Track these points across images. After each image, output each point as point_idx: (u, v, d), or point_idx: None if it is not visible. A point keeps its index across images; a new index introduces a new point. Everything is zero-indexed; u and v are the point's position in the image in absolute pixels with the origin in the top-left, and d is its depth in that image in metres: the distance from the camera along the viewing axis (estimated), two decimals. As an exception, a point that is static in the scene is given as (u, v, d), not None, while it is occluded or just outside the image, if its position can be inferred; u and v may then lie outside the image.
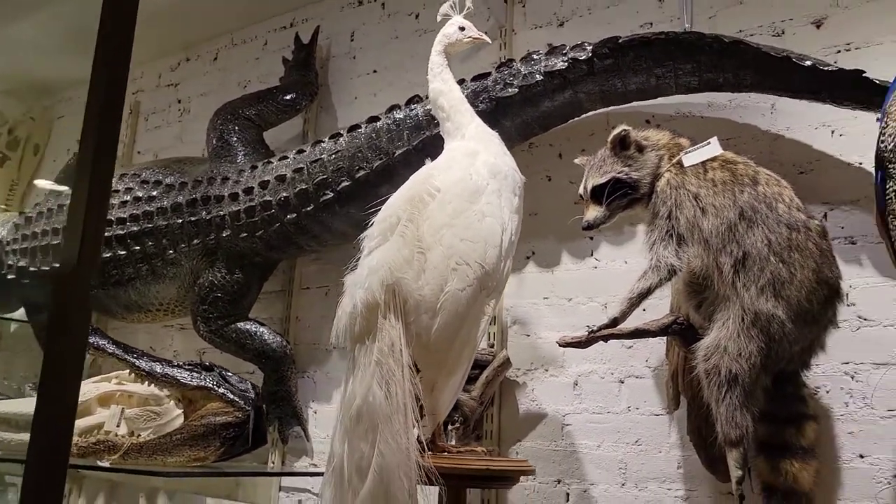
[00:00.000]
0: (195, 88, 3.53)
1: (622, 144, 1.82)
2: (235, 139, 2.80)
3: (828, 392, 1.88)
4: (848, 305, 1.85)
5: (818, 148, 2.00)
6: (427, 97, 2.32)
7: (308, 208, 2.47)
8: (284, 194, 2.49)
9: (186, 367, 2.36)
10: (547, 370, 2.30)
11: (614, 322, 1.79)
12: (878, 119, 1.62)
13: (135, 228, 2.75)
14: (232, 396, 2.30)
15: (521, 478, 1.87)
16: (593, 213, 1.83)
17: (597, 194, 1.83)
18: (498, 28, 2.59)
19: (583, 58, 2.07)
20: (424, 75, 2.66)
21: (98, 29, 1.26)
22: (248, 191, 2.57)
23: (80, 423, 2.46)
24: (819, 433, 1.73)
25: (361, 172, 2.39)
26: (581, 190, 1.87)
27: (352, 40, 3.04)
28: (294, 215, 2.49)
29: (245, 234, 2.57)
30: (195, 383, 2.31)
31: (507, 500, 2.25)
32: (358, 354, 1.69)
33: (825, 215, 1.94)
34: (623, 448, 2.13)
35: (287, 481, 2.71)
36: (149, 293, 2.81)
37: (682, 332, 1.80)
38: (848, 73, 1.77)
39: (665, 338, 1.99)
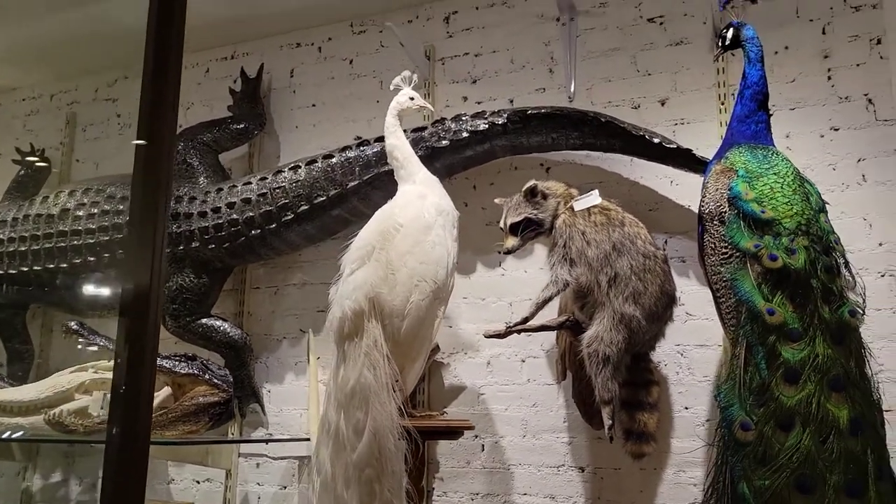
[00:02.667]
0: (136, 105, 3.89)
1: (532, 193, 2.54)
2: (197, 162, 3.28)
3: (666, 365, 2.71)
4: (680, 306, 2.66)
5: (662, 193, 2.82)
6: (374, 139, 2.95)
7: (271, 226, 3.03)
8: (250, 214, 3.03)
9: (175, 357, 2.87)
10: (466, 353, 3.01)
11: (525, 320, 2.53)
12: (704, 176, 2.40)
13: (104, 238, 3.18)
14: (217, 381, 2.84)
15: (458, 432, 2.58)
16: (511, 242, 2.55)
17: (513, 229, 2.54)
18: (422, 80, 3.23)
19: (499, 122, 2.78)
20: (359, 112, 3.33)
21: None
22: (216, 210, 3.08)
23: (57, 410, 2.91)
24: (660, 393, 2.56)
25: (319, 199, 2.97)
26: (501, 224, 2.57)
27: (291, 76, 3.58)
28: (258, 231, 3.04)
29: (213, 246, 3.08)
30: (184, 371, 2.83)
31: (437, 452, 2.95)
32: (348, 349, 2.30)
33: (666, 241, 2.76)
34: (524, 409, 2.88)
35: (246, 448, 3.27)
36: (115, 295, 3.25)
37: (572, 327, 2.56)
38: (683, 150, 2.59)
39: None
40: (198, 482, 3.33)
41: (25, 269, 3.33)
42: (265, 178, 3.07)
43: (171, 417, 2.77)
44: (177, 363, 2.83)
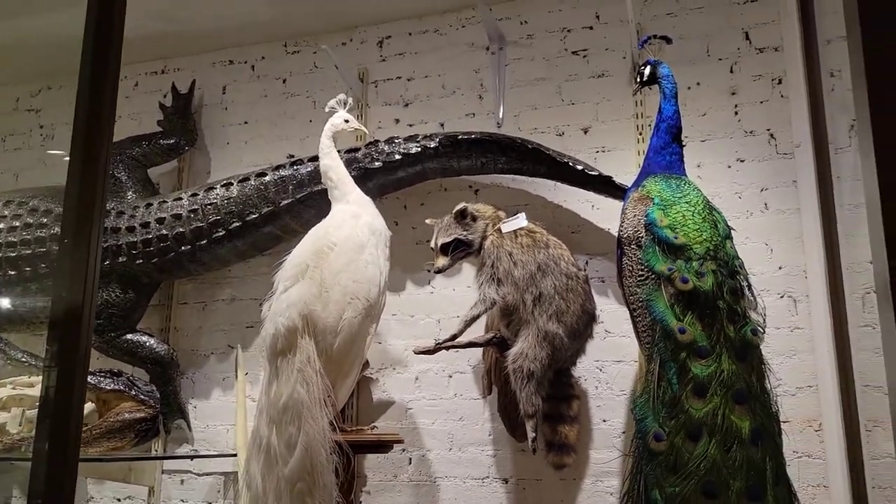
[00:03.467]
0: (60, 117, 3.84)
1: (462, 215, 2.64)
2: (126, 177, 3.26)
3: (586, 380, 2.85)
4: (600, 323, 2.80)
5: (584, 216, 2.97)
6: (307, 158, 3.00)
7: (202, 242, 3.04)
8: (181, 229, 3.03)
9: (100, 373, 2.83)
10: (395, 369, 3.08)
11: (453, 337, 2.62)
12: (623, 202, 2.56)
13: (27, 252, 3.12)
14: (143, 397, 2.82)
15: (388, 446, 2.65)
16: (441, 261, 2.64)
17: (444, 249, 2.64)
18: (356, 101, 3.30)
19: (431, 146, 2.88)
20: (292, 131, 3.39)
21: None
22: (145, 225, 3.06)
23: None
24: (580, 407, 2.69)
25: (251, 216, 3.00)
26: (432, 244, 2.67)
27: (224, 93, 3.59)
28: (189, 247, 3.04)
29: (141, 261, 3.07)
30: (110, 387, 2.80)
31: (365, 466, 3.00)
32: (281, 365, 2.34)
33: (587, 262, 2.91)
34: (451, 423, 2.97)
35: (170, 464, 3.24)
36: (37, 308, 3.18)
37: (498, 344, 2.67)
38: (604, 177, 2.75)
39: (483, 345, 2.85)
40: (118, 500, 3.28)
41: (-58, 282, 3.23)
42: (196, 195, 3.08)
43: (96, 434, 2.74)
44: (102, 379, 2.80)
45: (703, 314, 2.14)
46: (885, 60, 1.49)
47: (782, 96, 2.82)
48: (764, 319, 2.22)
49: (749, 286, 2.24)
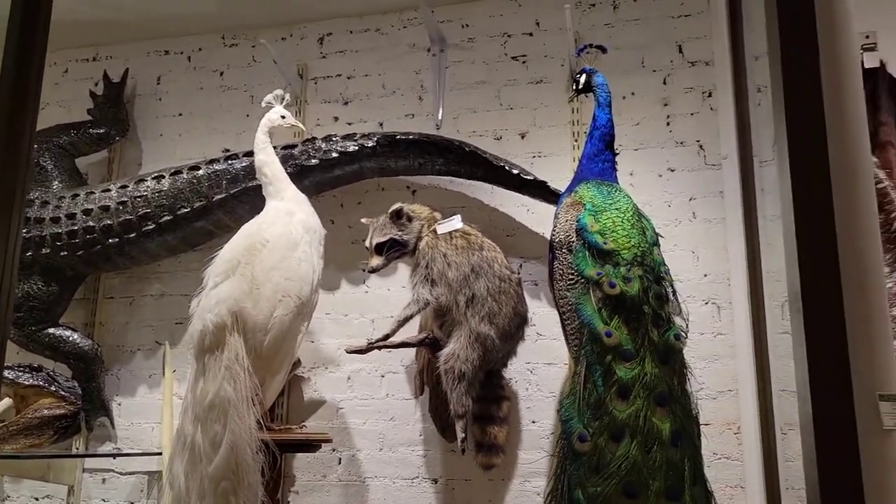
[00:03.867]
0: (-16, 100, 3.68)
1: (398, 215, 2.64)
2: (52, 166, 3.15)
3: (516, 382, 2.88)
4: (531, 326, 2.84)
5: (519, 220, 3.01)
6: (242, 153, 2.96)
7: (130, 235, 2.96)
8: (108, 222, 2.95)
9: (18, 368, 2.74)
10: (327, 368, 3.06)
11: (386, 337, 2.62)
12: (556, 207, 2.60)
13: (-57, 240, 2.99)
14: (63, 393, 2.74)
15: (316, 445, 2.63)
16: (375, 261, 2.64)
17: (378, 248, 2.63)
18: (295, 98, 3.27)
19: (369, 145, 2.88)
20: (228, 124, 3.34)
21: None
22: (71, 216, 2.97)
23: None
24: (510, 408, 2.72)
25: (182, 210, 2.94)
26: (367, 244, 2.66)
27: (158, 83, 3.51)
28: (116, 240, 2.96)
29: (65, 253, 2.97)
30: (28, 382, 2.71)
31: (293, 465, 2.98)
32: (208, 362, 2.30)
33: (521, 265, 2.94)
34: (382, 423, 2.96)
35: (91, 463, 3.15)
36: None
37: (430, 344, 2.67)
38: (539, 181, 2.79)
39: (416, 346, 2.86)
40: (36, 499, 3.17)
41: None
42: (126, 187, 3.00)
43: (13, 430, 2.65)
44: (20, 374, 2.71)
45: (629, 318, 2.19)
46: (801, 82, 1.56)
47: (712, 109, 2.91)
48: (687, 325, 2.28)
49: (674, 292, 2.30)
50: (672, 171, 2.92)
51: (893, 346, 1.57)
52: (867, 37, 2.76)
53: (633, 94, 2.99)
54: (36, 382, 2.71)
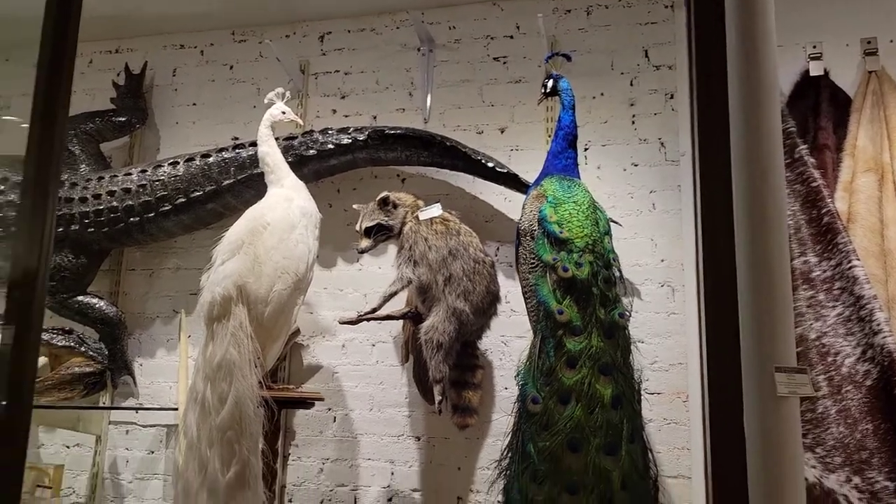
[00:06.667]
0: (16, 88, 4.03)
1: (384, 202, 2.98)
2: (79, 150, 3.51)
3: (491, 352, 3.22)
4: (506, 303, 3.17)
5: (497, 207, 3.33)
6: (249, 143, 3.30)
7: (149, 215, 3.32)
8: (130, 202, 3.31)
9: (52, 330, 3.12)
10: (324, 337, 3.42)
11: (374, 310, 2.97)
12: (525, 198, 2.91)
13: (-17, 217, 3.36)
14: (92, 353, 3.12)
15: (310, 403, 3.00)
16: (364, 243, 2.98)
17: (367, 232, 2.97)
18: (297, 91, 3.59)
19: (361, 138, 3.21)
20: (236, 114, 3.67)
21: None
22: (97, 196, 3.33)
23: None
24: (484, 376, 3.07)
25: (195, 193, 3.29)
26: (357, 227, 3.00)
27: (174, 75, 3.84)
28: (137, 219, 3.32)
29: (92, 230, 3.34)
30: (62, 343, 3.09)
31: (294, 422, 3.35)
32: (216, 329, 2.65)
33: (498, 249, 3.27)
34: (372, 387, 3.33)
35: (116, 416, 3.54)
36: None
37: (413, 317, 3.02)
38: (512, 174, 3.11)
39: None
40: (67, 447, 3.57)
41: None
42: (145, 171, 3.35)
43: (48, 385, 3.03)
44: (54, 336, 3.09)
45: (579, 298, 2.52)
46: (709, 96, 1.86)
47: (673, 110, 3.20)
48: (632, 305, 2.61)
49: (621, 276, 2.63)
50: (636, 165, 3.22)
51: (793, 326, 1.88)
52: (814, 46, 3.05)
53: (602, 94, 3.29)
54: (67, 343, 3.09)
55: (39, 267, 1.89)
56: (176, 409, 3.42)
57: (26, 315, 1.88)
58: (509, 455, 2.50)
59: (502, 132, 3.39)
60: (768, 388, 1.82)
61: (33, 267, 1.90)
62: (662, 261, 3.14)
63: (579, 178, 2.81)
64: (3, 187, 3.38)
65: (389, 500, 3.22)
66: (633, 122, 3.25)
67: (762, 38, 1.91)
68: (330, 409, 3.34)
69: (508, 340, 3.23)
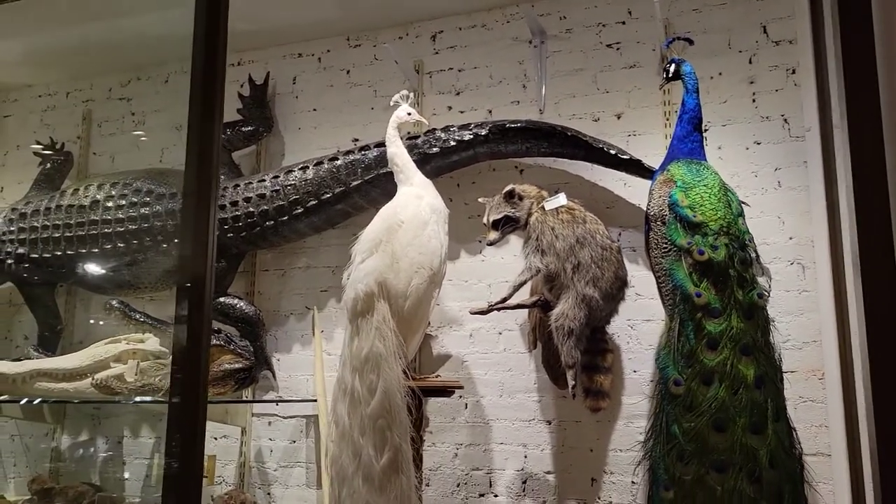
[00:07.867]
0: (149, 105, 4.32)
1: (510, 195, 3.06)
2: (215, 161, 3.73)
3: (619, 336, 3.27)
4: (631, 287, 3.20)
5: (617, 193, 3.37)
6: (373, 144, 3.44)
7: (283, 218, 3.51)
8: (265, 207, 3.51)
9: (203, 332, 3.34)
10: (451, 327, 3.54)
11: (504, 300, 3.07)
12: (651, 184, 2.94)
13: (133, 227, 3.63)
14: (240, 350, 3.34)
15: (450, 391, 3.12)
16: (493, 236, 3.08)
17: (495, 225, 3.07)
18: (412, 91, 3.71)
19: (482, 133, 3.30)
20: (355, 117, 3.83)
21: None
22: (234, 203, 3.55)
23: (101, 375, 3.36)
24: (614, 359, 3.13)
25: (325, 195, 3.46)
26: (485, 220, 3.10)
27: (294, 83, 4.03)
28: (272, 222, 3.52)
29: (231, 235, 3.56)
30: (213, 342, 3.31)
31: (427, 410, 3.48)
32: (361, 324, 2.80)
33: (620, 234, 3.31)
34: (501, 374, 3.43)
35: (258, 408, 3.77)
36: (141, 275, 3.71)
37: (542, 305, 3.10)
38: (635, 160, 3.14)
39: (529, 307, 3.30)
40: (215, 438, 3.83)
41: (59, 252, 3.76)
42: (277, 177, 3.54)
43: (203, 382, 3.25)
44: (206, 336, 3.31)
45: (716, 281, 2.55)
46: (858, 59, 1.84)
47: (795, 85, 3.16)
48: (769, 285, 2.61)
49: (757, 257, 2.64)
50: (758, 144, 3.20)
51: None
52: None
53: (720, 74, 3.27)
54: (218, 342, 3.31)
55: (206, 270, 2.02)
56: (314, 401, 3.61)
57: (198, 315, 2.03)
58: (653, 436, 2.55)
59: (618, 118, 3.42)
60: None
61: (201, 272, 2.05)
62: (791, 238, 3.11)
63: (706, 160, 2.82)
64: (148, 199, 3.64)
65: (524, 482, 3.32)
66: (754, 101, 3.22)
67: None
68: (461, 397, 3.46)
69: (635, 324, 3.27)
